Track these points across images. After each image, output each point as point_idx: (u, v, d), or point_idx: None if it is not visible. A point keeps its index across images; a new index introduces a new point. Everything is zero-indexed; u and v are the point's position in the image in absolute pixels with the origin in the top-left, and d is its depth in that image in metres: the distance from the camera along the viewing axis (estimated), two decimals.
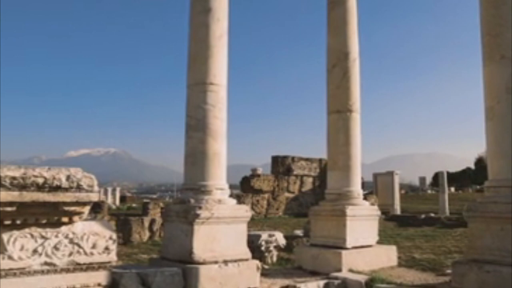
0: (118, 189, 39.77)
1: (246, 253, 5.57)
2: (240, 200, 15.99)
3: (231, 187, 6.35)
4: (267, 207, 16.98)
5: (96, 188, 4.39)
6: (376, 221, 7.40)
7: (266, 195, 17.04)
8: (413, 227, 12.61)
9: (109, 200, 36.21)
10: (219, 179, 5.67)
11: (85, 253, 4.02)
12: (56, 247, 3.38)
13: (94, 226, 4.48)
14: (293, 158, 17.93)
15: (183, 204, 5.47)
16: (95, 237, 4.34)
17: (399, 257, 7.52)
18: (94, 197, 4.38)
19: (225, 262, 5.30)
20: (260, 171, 18.02)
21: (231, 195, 5.92)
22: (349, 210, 6.83)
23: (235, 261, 5.39)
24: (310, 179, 18.22)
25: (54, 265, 3.34)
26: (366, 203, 7.37)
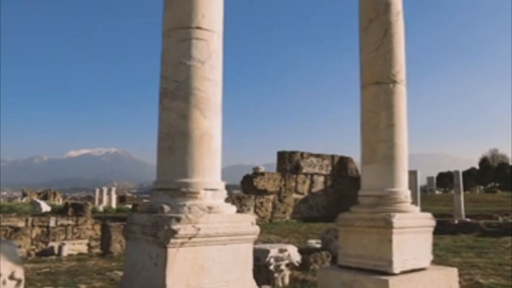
0: (113, 189, 38.03)
1: None
2: (241, 202, 13.93)
3: (230, 188, 4.23)
4: (272, 210, 14.92)
5: None
6: (430, 234, 5.39)
7: (271, 197, 14.95)
8: (448, 235, 10.61)
9: (105, 201, 34.39)
10: (210, 174, 3.66)
11: None
12: None
13: None
14: (302, 154, 15.80)
15: (153, 213, 3.46)
16: None
17: (458, 282, 5.52)
18: None
19: None
20: (262, 170, 15.93)
21: (227, 199, 3.90)
22: (397, 220, 4.83)
23: None
24: (321, 178, 16.13)
25: None
26: (417, 209, 5.36)
